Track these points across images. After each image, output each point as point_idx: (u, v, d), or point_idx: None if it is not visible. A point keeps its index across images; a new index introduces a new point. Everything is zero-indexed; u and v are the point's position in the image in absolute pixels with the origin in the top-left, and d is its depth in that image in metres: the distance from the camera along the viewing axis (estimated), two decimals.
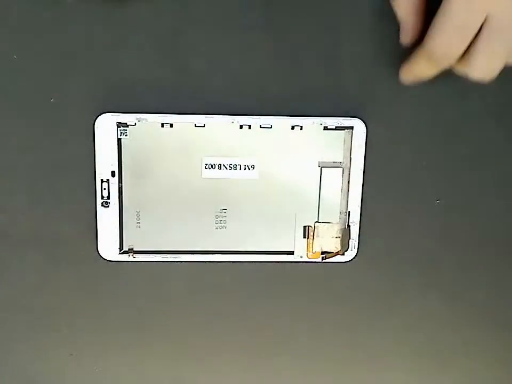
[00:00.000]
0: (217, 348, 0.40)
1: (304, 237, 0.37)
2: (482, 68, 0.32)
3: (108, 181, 0.35)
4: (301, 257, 0.37)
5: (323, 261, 0.38)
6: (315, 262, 0.38)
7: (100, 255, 0.37)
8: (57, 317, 0.38)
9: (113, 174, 0.35)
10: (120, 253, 0.37)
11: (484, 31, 0.30)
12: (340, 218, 0.37)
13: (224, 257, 0.37)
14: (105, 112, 0.34)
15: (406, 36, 0.34)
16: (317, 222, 0.37)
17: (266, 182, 0.36)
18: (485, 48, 0.31)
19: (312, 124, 0.35)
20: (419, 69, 0.33)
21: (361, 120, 0.35)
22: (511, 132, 0.37)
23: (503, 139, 0.37)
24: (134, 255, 0.37)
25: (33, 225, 0.36)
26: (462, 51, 0.31)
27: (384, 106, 0.36)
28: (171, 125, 0.35)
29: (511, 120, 0.37)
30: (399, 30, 0.33)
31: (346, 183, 0.36)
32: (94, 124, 0.34)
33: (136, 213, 0.36)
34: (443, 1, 0.30)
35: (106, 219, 0.36)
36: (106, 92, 0.35)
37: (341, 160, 0.36)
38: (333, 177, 0.36)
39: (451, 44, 0.31)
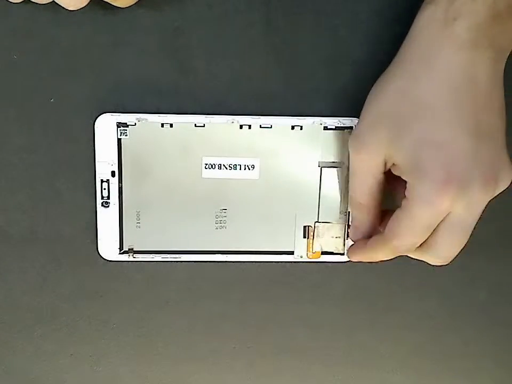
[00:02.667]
0: (217, 348, 0.40)
1: (304, 237, 0.37)
2: (441, 257, 0.32)
3: (108, 181, 0.35)
4: (301, 257, 0.37)
5: (323, 261, 0.38)
6: (315, 262, 0.38)
7: (100, 255, 0.37)
8: (57, 317, 0.38)
9: (113, 174, 0.35)
10: (120, 253, 0.37)
11: (445, 225, 0.30)
12: (339, 218, 0.37)
13: (224, 257, 0.37)
14: (105, 112, 0.34)
15: (356, 234, 0.35)
16: (317, 222, 0.37)
17: (266, 182, 0.36)
18: (445, 240, 0.31)
19: (312, 123, 0.35)
20: (374, 254, 0.34)
21: None
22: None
23: None
24: (134, 255, 0.37)
25: (33, 225, 0.36)
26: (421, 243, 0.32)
27: None
28: (171, 125, 0.35)
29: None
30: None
31: (346, 183, 0.36)
32: (94, 124, 0.34)
33: (136, 213, 0.36)
34: (404, 202, 0.30)
35: (106, 219, 0.36)
36: (106, 92, 0.35)
37: (341, 160, 0.36)
38: (333, 177, 0.36)
39: (413, 240, 0.31)
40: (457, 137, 0.29)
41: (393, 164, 0.31)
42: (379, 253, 0.33)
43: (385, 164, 0.31)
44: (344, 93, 0.36)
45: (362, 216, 0.34)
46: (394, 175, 0.32)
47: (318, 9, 0.35)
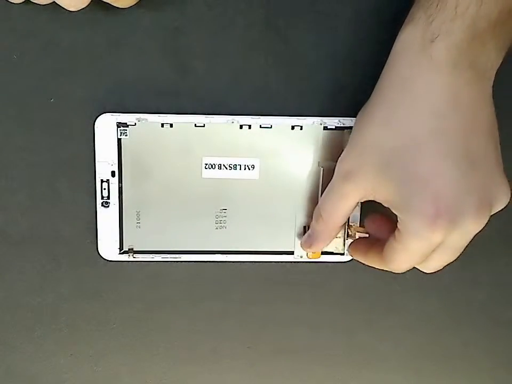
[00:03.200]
0: (217, 348, 0.40)
1: None
2: (433, 268, 0.32)
3: (108, 181, 0.35)
4: (301, 257, 0.37)
5: (323, 261, 0.38)
6: (315, 262, 0.38)
7: (100, 255, 0.37)
8: (57, 317, 0.38)
9: (113, 174, 0.35)
10: (120, 253, 0.37)
11: (439, 249, 0.30)
12: None
13: (224, 257, 0.37)
14: (105, 112, 0.34)
15: (308, 243, 0.35)
16: None
17: (266, 182, 0.36)
18: (437, 259, 0.31)
19: (312, 124, 0.35)
20: (371, 262, 0.34)
21: None
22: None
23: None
24: (134, 255, 0.37)
25: (33, 225, 0.36)
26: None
27: None
28: (171, 125, 0.35)
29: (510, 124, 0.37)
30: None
31: None
32: (94, 124, 0.34)
33: (136, 213, 0.36)
34: (398, 234, 0.30)
35: (106, 219, 0.36)
36: (106, 92, 0.35)
37: None
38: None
39: (410, 265, 0.31)
40: (444, 168, 0.28)
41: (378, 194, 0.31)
42: (375, 262, 0.34)
43: (371, 193, 0.31)
44: (344, 93, 0.36)
45: (324, 233, 0.34)
46: None
47: (318, 9, 0.35)
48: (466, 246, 0.31)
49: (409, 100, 0.29)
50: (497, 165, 0.29)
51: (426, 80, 0.28)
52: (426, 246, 0.29)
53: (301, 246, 0.36)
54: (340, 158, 0.32)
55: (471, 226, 0.29)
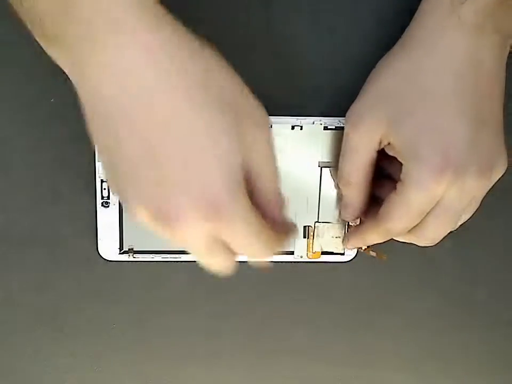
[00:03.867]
0: (217, 348, 0.40)
1: (304, 237, 0.37)
2: (430, 238, 0.32)
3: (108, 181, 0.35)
4: (301, 257, 0.37)
5: (323, 261, 0.38)
6: (315, 262, 0.38)
7: (100, 255, 0.37)
8: (57, 317, 0.38)
9: None
10: (120, 253, 0.37)
11: (436, 209, 0.30)
12: (340, 218, 0.37)
13: None
14: None
15: (346, 213, 0.35)
16: (317, 222, 0.37)
17: None
18: (434, 223, 0.31)
19: (312, 124, 0.35)
20: (367, 237, 0.34)
21: None
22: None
23: None
24: (134, 255, 0.37)
25: (33, 225, 0.36)
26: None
27: None
28: None
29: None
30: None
31: None
32: None
33: None
34: (399, 186, 0.30)
35: (106, 219, 0.36)
36: None
37: None
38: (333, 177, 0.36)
39: (406, 224, 0.31)
40: (457, 124, 0.29)
41: (389, 143, 0.31)
42: (372, 236, 0.33)
43: (380, 142, 0.31)
44: (344, 93, 0.36)
45: (353, 195, 0.34)
46: (387, 158, 0.32)
47: (318, 9, 0.35)
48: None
49: (433, 56, 0.30)
50: (501, 131, 0.31)
51: (452, 40, 0.29)
52: (427, 199, 0.30)
53: (342, 219, 0.36)
54: (350, 108, 0.33)
55: (472, 184, 0.30)
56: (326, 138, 0.36)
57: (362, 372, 0.41)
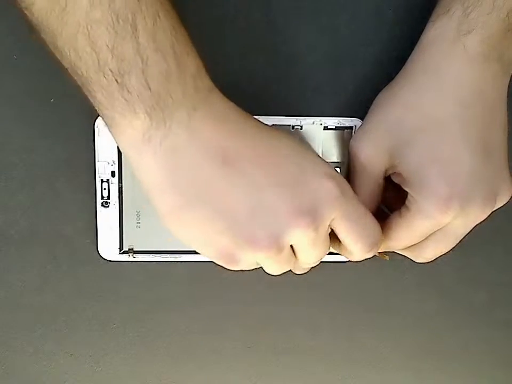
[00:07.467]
0: (217, 348, 0.40)
1: None
2: (427, 258, 0.33)
3: (108, 181, 0.35)
4: None
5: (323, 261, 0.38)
6: None
7: (100, 255, 0.37)
8: (57, 317, 0.38)
9: (113, 174, 0.35)
10: (120, 253, 0.37)
11: (438, 233, 0.31)
12: None
13: None
14: None
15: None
16: None
17: None
18: (434, 246, 0.31)
19: (312, 124, 0.35)
20: None
21: (361, 120, 0.35)
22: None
23: None
24: (134, 255, 0.37)
25: (33, 225, 0.36)
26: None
27: None
28: None
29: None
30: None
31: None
32: (94, 124, 0.34)
33: (136, 213, 0.36)
34: (404, 211, 0.30)
35: (106, 219, 0.36)
36: None
37: (341, 160, 0.36)
38: None
39: (406, 244, 0.32)
40: (463, 154, 0.29)
41: (394, 172, 0.31)
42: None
43: (386, 171, 0.31)
44: (344, 93, 0.36)
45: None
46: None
47: (318, 9, 0.35)
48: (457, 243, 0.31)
49: (438, 86, 0.30)
50: (504, 160, 0.31)
51: (458, 70, 0.29)
52: (431, 226, 0.30)
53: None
54: (352, 139, 0.32)
55: (475, 215, 0.30)
56: (326, 138, 0.36)
57: (362, 372, 0.41)
